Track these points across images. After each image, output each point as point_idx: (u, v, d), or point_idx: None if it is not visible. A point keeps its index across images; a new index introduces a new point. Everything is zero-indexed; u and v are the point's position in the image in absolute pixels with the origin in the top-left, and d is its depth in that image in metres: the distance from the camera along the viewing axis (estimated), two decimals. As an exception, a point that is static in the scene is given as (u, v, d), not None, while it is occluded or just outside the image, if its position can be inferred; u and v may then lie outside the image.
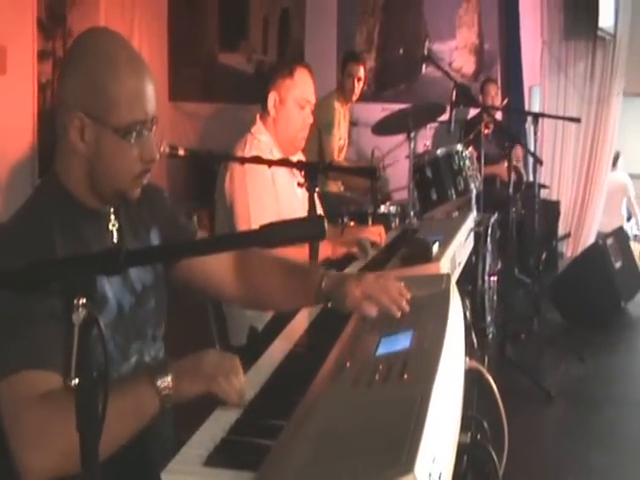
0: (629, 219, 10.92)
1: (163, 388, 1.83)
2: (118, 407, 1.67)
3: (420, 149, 5.64)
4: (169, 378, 1.84)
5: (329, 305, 2.43)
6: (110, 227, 2.22)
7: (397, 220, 4.87)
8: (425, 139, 6.34)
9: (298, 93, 3.89)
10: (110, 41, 2.11)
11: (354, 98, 7.42)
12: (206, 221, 4.31)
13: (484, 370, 2.32)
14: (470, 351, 2.29)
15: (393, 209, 4.90)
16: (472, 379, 2.29)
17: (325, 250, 3.66)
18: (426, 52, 6.22)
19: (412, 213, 4.66)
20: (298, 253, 3.03)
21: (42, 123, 5.92)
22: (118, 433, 1.77)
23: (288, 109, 3.91)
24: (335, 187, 6.89)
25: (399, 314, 2.20)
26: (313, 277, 2.49)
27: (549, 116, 7.56)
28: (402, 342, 1.96)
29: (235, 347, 3.71)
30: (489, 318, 5.22)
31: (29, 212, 2.09)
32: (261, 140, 3.87)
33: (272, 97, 3.90)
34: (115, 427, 1.67)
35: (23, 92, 5.80)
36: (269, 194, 3.76)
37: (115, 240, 2.22)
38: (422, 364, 1.72)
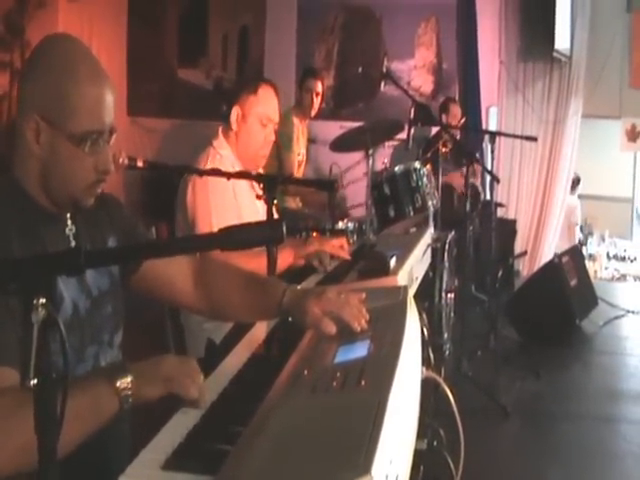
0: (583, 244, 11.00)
1: (123, 389, 1.82)
2: (77, 406, 1.67)
3: (378, 167, 5.65)
4: (129, 379, 1.83)
5: (289, 320, 2.43)
6: (67, 231, 2.21)
7: (355, 236, 4.87)
8: (383, 157, 6.35)
9: (260, 110, 3.90)
10: (73, 48, 2.12)
11: (312, 113, 7.45)
12: (164, 235, 4.29)
13: (441, 380, 2.33)
14: (427, 365, 2.30)
15: (351, 225, 4.90)
16: (429, 389, 2.30)
17: (287, 257, 3.67)
18: (385, 70, 6.25)
19: (370, 229, 4.67)
20: (260, 260, 3.04)
21: (-2, 135, 5.89)
22: (76, 432, 1.75)
23: (249, 125, 3.91)
24: (293, 203, 6.90)
25: (359, 330, 2.19)
26: (274, 292, 2.48)
27: (506, 135, 7.64)
28: (359, 351, 1.96)
29: (193, 360, 3.68)
30: (446, 335, 5.23)
31: None
32: (223, 155, 3.87)
33: (235, 111, 3.91)
34: (73, 426, 1.66)
35: (-20, 104, 5.77)
36: (231, 207, 3.76)
37: (72, 245, 2.20)
38: (379, 371, 1.73)
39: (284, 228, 1.57)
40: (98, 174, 2.12)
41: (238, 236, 1.56)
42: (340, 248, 3.93)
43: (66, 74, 2.03)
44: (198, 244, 1.75)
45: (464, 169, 6.41)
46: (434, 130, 8.11)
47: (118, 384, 1.82)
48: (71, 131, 2.03)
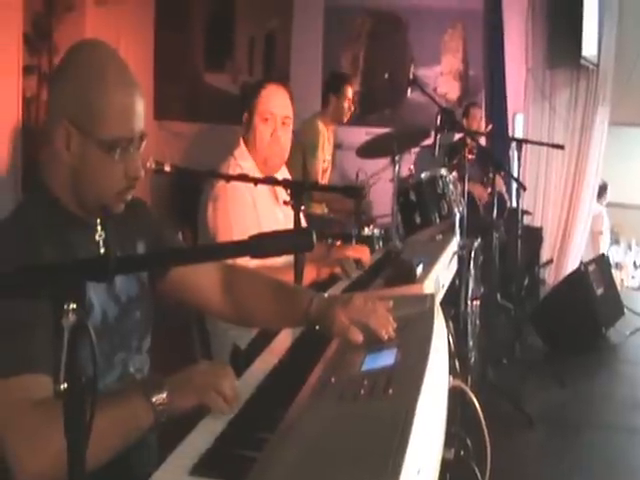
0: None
1: (158, 404, 1.85)
2: (113, 419, 1.72)
3: (404, 173, 5.63)
4: (164, 394, 1.86)
5: (317, 328, 2.42)
6: (97, 237, 2.22)
7: (381, 243, 4.86)
8: (409, 163, 6.33)
9: (262, 108, 3.91)
10: (102, 54, 2.12)
11: (345, 119, 7.46)
12: (190, 240, 4.30)
13: (467, 389, 2.32)
14: (453, 372, 2.29)
15: (377, 232, 4.89)
16: (455, 398, 2.29)
17: (310, 273, 3.65)
18: (412, 76, 6.23)
19: (396, 236, 4.66)
20: (284, 275, 3.03)
21: (26, 138, 5.90)
22: (112, 445, 1.80)
23: (255, 126, 3.92)
24: (319, 209, 6.89)
25: (386, 338, 2.18)
26: (301, 300, 2.47)
27: (533, 142, 7.60)
28: (386, 359, 1.96)
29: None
30: (471, 342, 5.21)
31: (16, 219, 2.11)
32: (244, 167, 3.85)
33: (244, 118, 3.95)
34: (109, 439, 1.72)
35: (7, 106, 5.77)
36: (251, 217, 3.75)
37: (102, 251, 2.21)
38: (407, 380, 1.72)
39: (314, 237, 1.57)
40: (128, 180, 2.13)
41: (268, 243, 1.56)
42: (362, 253, 3.92)
43: (96, 81, 2.04)
44: (228, 251, 1.75)
45: (484, 179, 6.40)
46: (457, 136, 8.10)
47: (154, 399, 1.86)
48: (101, 138, 2.04)
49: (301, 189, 3.05)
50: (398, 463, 1.30)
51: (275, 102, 3.93)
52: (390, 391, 1.68)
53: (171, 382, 1.91)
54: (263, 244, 1.55)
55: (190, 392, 1.91)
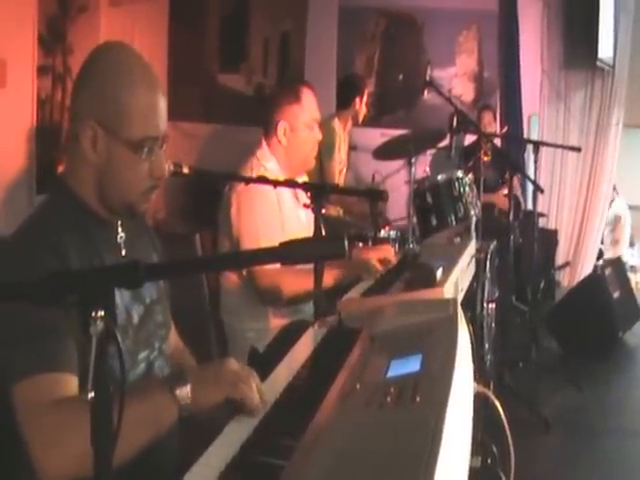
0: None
1: (182, 397, 1.84)
2: (136, 414, 1.70)
3: (419, 175, 5.61)
4: (188, 387, 1.85)
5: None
6: (118, 239, 2.24)
7: (397, 245, 4.84)
8: (424, 165, 6.31)
9: (307, 116, 3.88)
10: (126, 56, 2.16)
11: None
12: (208, 244, 4.27)
13: (491, 395, 2.30)
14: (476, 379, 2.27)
15: (393, 234, 4.87)
16: (479, 404, 2.26)
17: (333, 275, 3.63)
18: (428, 78, 6.22)
19: (412, 238, 4.63)
20: (306, 277, 3.02)
21: (40, 138, 5.90)
22: (135, 440, 1.78)
23: (299, 135, 3.89)
24: (334, 212, 6.87)
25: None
26: None
27: (550, 145, 7.56)
28: (412, 365, 1.93)
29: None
30: (487, 345, 5.19)
31: (40, 220, 2.13)
32: (267, 168, 3.83)
33: (282, 126, 3.88)
34: (132, 434, 1.70)
35: (22, 107, 5.77)
36: (276, 218, 3.74)
37: (123, 252, 2.23)
38: (434, 387, 1.70)
39: (346, 245, 1.55)
40: (153, 180, 2.16)
41: (299, 250, 1.54)
42: (386, 252, 3.91)
43: (122, 81, 2.07)
44: (257, 258, 1.73)
45: (500, 182, 6.36)
46: (469, 138, 8.06)
47: (177, 392, 1.85)
48: (128, 137, 2.06)
49: (321, 192, 3.03)
50: (430, 472, 1.28)
51: (316, 107, 3.94)
52: (417, 399, 1.65)
53: (197, 375, 1.91)
54: (293, 251, 1.53)
55: (217, 387, 1.91)
